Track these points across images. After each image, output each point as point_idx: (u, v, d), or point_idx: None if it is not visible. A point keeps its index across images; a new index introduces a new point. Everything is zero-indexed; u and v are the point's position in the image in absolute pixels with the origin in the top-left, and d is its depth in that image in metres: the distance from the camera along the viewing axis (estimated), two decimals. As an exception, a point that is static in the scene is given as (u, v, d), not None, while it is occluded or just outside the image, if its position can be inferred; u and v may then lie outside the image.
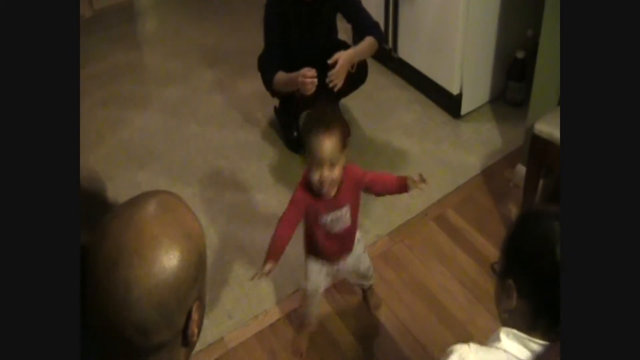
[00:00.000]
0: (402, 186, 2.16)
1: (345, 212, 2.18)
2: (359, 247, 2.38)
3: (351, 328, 2.55)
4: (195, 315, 1.06)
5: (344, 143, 2.05)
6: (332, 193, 2.12)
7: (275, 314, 2.62)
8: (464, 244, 2.84)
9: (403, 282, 2.71)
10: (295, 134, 3.36)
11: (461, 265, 2.75)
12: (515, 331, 1.36)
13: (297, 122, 3.35)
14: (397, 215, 2.99)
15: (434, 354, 2.44)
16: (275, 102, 3.44)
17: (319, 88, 2.82)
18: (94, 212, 1.22)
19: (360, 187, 2.21)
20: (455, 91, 3.44)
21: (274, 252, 2.18)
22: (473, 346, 1.37)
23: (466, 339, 2.41)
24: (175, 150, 3.46)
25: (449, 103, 3.51)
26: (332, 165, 2.02)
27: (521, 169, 2.99)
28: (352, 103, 3.58)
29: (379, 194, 2.29)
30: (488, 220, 2.94)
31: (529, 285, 1.34)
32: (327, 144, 1.98)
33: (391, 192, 2.24)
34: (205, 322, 1.11)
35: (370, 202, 3.04)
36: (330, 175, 2.03)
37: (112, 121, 3.69)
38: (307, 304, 2.42)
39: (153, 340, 1.01)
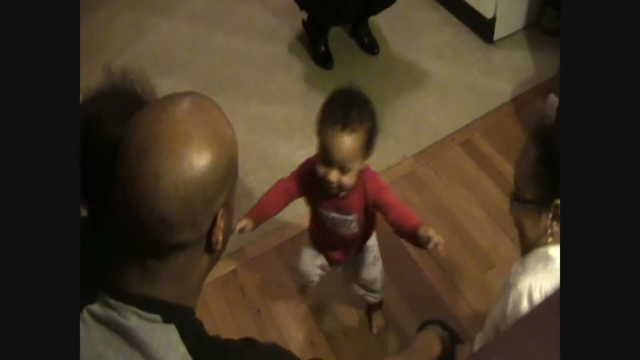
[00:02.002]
0: (415, 228, 1.71)
1: (352, 221, 1.89)
2: (368, 256, 2.11)
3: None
4: (220, 222, 1.04)
5: (368, 148, 1.70)
6: (340, 194, 1.80)
7: (295, 228, 2.60)
8: (490, 171, 2.79)
9: (426, 205, 2.68)
10: (322, 48, 3.29)
11: (486, 191, 2.72)
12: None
13: (325, 37, 3.27)
14: (424, 137, 2.95)
15: (453, 278, 2.44)
16: (304, 15, 3.35)
17: None
18: (127, 108, 1.20)
19: (374, 203, 1.83)
20: (489, 15, 3.33)
21: (255, 213, 1.92)
22: (538, 278, 1.37)
23: (488, 266, 2.43)
24: (201, 59, 3.40)
25: (482, 27, 3.41)
26: (345, 170, 1.69)
27: (553, 100, 2.92)
28: (381, 21, 3.49)
29: (391, 222, 1.80)
30: (516, 148, 2.87)
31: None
32: (345, 146, 1.65)
33: (403, 230, 1.76)
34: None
35: (396, 122, 3.00)
36: (338, 180, 1.70)
37: (138, 26, 3.62)
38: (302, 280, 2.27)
39: (176, 237, 1.00)
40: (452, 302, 2.38)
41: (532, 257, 1.43)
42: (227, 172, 1.03)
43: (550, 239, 1.39)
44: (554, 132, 1.42)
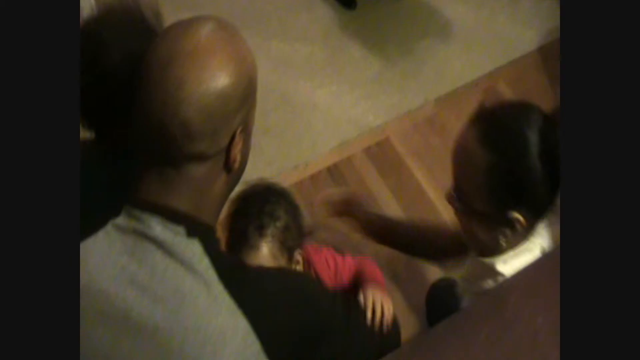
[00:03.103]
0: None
1: None
2: None
3: (391, 187, 2.53)
4: (238, 141, 1.07)
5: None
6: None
7: (316, 166, 2.59)
8: (513, 118, 2.76)
9: (447, 149, 2.64)
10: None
11: (508, 138, 2.68)
12: (511, 254, 1.32)
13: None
14: (447, 82, 2.91)
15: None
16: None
17: None
18: (132, 33, 1.25)
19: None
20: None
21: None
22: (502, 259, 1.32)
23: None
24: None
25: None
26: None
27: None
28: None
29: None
30: (541, 99, 2.83)
31: (539, 211, 1.27)
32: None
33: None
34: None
35: (419, 65, 2.96)
36: None
37: None
38: None
39: (195, 145, 1.02)
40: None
41: (479, 270, 1.37)
42: (246, 91, 1.06)
43: (504, 244, 1.30)
44: (512, 135, 1.24)
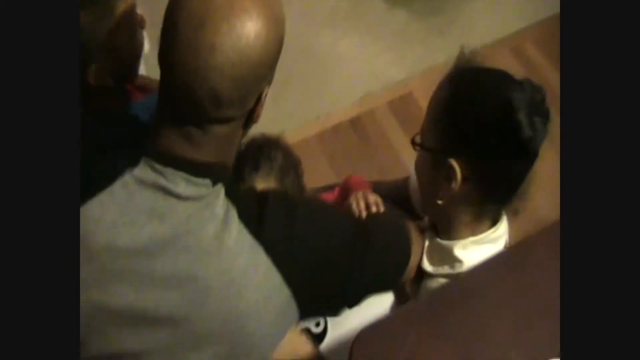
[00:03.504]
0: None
1: None
2: None
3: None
4: (264, 99, 1.05)
5: None
6: None
7: (338, 117, 2.55)
8: (538, 79, 2.69)
9: (471, 107, 2.62)
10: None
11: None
12: (471, 239, 1.24)
13: None
14: (473, 40, 2.84)
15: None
16: None
17: None
18: None
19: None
20: None
21: None
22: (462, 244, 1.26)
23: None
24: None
25: None
26: None
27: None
28: None
29: None
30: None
31: (481, 165, 1.17)
32: None
33: None
34: (265, 116, 1.10)
35: (445, 21, 2.91)
36: None
37: None
38: None
39: (224, 112, 1.00)
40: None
41: (438, 252, 1.30)
42: (277, 53, 1.03)
43: (440, 202, 1.22)
44: (471, 76, 1.24)
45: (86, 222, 1.00)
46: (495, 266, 1.22)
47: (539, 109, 1.17)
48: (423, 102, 2.60)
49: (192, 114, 1.00)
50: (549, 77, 2.71)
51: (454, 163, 1.16)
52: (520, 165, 1.20)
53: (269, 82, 1.06)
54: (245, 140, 1.49)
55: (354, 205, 1.33)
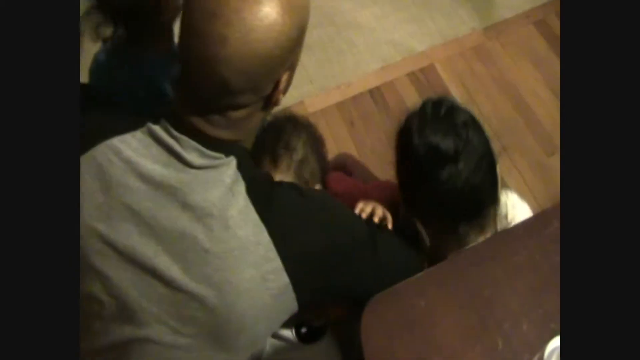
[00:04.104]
0: None
1: None
2: None
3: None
4: (282, 85, 1.04)
5: None
6: None
7: (358, 87, 2.54)
8: (559, 54, 2.69)
9: (492, 78, 2.60)
10: None
11: (556, 72, 2.62)
12: None
13: None
14: (496, 11, 2.82)
15: (513, 157, 2.39)
16: None
17: None
18: None
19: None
20: None
21: None
22: None
23: (551, 150, 2.37)
24: None
25: None
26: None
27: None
28: None
29: None
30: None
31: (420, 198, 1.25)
32: None
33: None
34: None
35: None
36: None
37: None
38: None
39: (236, 99, 1.00)
40: (507, 177, 2.34)
41: None
42: (295, 43, 1.01)
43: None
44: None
45: (108, 152, 1.03)
46: (508, 237, 1.23)
47: (433, 122, 1.20)
48: (444, 73, 2.61)
49: (207, 100, 1.01)
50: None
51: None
52: (447, 182, 1.19)
53: (290, 68, 1.05)
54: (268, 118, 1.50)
55: (357, 210, 1.32)
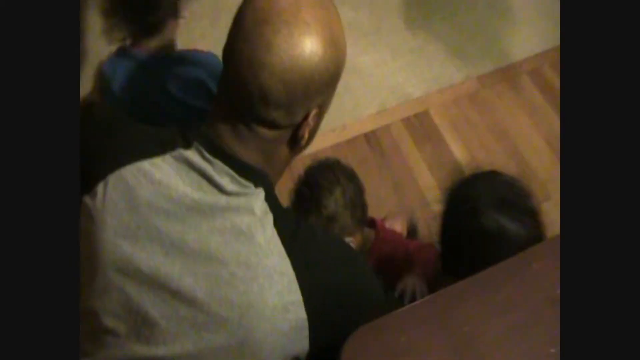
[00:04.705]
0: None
1: None
2: None
3: (426, 159, 2.51)
4: (311, 120, 1.07)
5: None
6: None
7: (353, 130, 2.57)
8: (556, 103, 2.72)
9: (486, 126, 2.63)
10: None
11: (550, 122, 2.65)
12: None
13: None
14: (491, 60, 2.87)
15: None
16: None
17: None
18: None
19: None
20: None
21: None
22: None
23: (544, 197, 2.39)
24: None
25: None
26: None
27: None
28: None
29: None
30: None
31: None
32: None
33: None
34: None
35: (464, 41, 2.93)
36: None
37: None
38: None
39: (270, 112, 1.02)
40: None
41: None
42: (332, 77, 1.05)
43: None
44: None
45: (138, 174, 1.04)
46: (489, 276, 1.24)
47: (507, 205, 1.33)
48: (438, 120, 2.64)
49: (242, 109, 1.03)
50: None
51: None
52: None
53: (321, 106, 1.08)
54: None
55: (400, 288, 1.39)
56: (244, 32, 1.00)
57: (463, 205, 1.32)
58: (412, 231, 2.09)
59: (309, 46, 0.99)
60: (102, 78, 1.67)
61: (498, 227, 1.28)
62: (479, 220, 1.28)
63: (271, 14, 0.99)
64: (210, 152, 1.04)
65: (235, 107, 1.04)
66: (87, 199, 1.05)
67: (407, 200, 2.42)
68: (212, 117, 1.08)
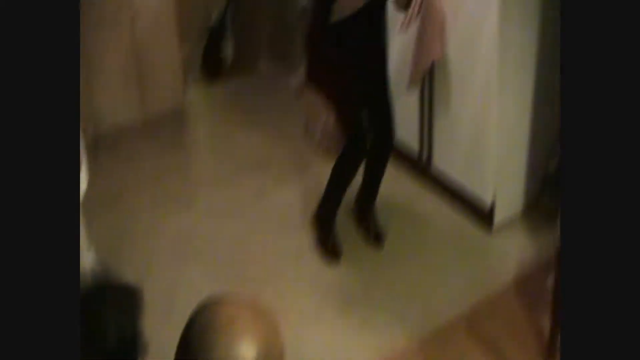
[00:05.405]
0: None
1: None
2: None
3: None
4: None
5: None
6: None
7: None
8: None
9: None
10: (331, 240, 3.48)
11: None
12: None
13: (333, 230, 3.48)
14: (430, 321, 3.06)
15: None
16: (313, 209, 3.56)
17: None
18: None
19: None
20: (488, 199, 3.47)
21: None
22: None
23: None
24: (218, 252, 3.56)
25: (481, 213, 3.55)
26: None
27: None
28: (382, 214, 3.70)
29: None
30: (519, 335, 2.99)
31: None
32: None
33: None
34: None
35: (403, 306, 3.13)
36: None
37: (157, 219, 3.78)
38: None
39: None
40: None
41: None
42: None
43: None
44: None
45: None
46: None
47: None
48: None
49: None
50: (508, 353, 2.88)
51: None
52: None
53: None
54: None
55: None
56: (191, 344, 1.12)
57: None
58: None
59: (245, 350, 1.10)
60: None
61: None
62: None
63: (213, 325, 1.11)
64: None
65: None
66: None
67: None
68: None
